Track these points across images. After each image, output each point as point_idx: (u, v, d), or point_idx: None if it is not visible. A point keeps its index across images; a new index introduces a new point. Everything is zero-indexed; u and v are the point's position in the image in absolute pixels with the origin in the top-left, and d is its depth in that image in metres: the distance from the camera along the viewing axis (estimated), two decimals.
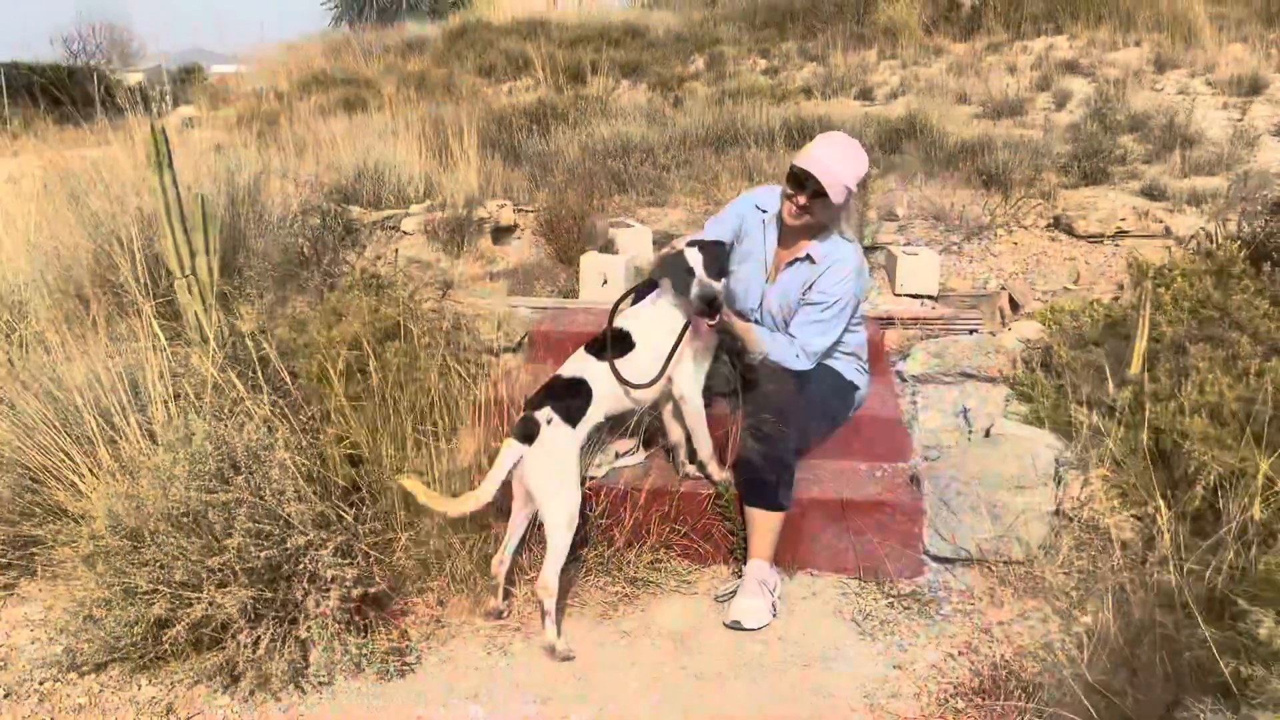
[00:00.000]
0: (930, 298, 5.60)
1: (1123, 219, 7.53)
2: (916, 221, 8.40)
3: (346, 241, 4.43)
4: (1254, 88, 12.07)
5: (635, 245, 6.85)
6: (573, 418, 3.49)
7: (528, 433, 3.41)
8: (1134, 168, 9.61)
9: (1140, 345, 3.72)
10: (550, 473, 3.37)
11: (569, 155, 10.07)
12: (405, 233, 7.78)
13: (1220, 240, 4.28)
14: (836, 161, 3.57)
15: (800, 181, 3.61)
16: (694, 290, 3.48)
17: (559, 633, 3.38)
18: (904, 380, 4.41)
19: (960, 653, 3.31)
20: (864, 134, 9.51)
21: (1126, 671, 2.89)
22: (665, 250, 3.75)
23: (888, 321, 4.80)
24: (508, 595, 3.61)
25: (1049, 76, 13.29)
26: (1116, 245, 7.46)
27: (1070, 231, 7.67)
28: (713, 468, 3.78)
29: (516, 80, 15.76)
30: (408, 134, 9.93)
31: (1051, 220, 8.06)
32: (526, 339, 4.71)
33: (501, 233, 8.38)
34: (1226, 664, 2.30)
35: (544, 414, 3.45)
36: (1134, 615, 3.13)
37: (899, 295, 5.63)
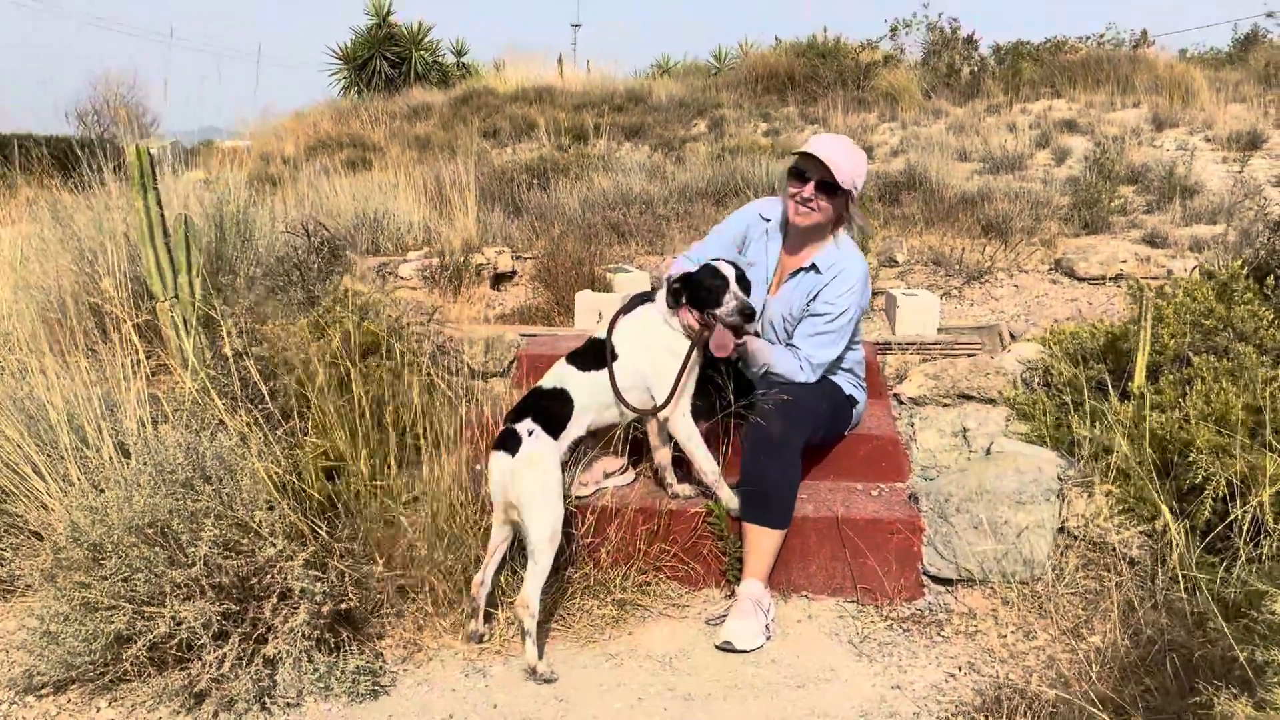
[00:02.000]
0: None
1: (1123, 261, 7.48)
2: (917, 267, 8.36)
3: (333, 266, 4.36)
4: (1252, 143, 12.13)
5: (632, 288, 6.79)
6: (554, 429, 3.38)
7: (508, 446, 3.30)
8: (1134, 217, 9.60)
9: (1142, 358, 3.61)
10: (532, 485, 3.25)
11: (569, 207, 10.09)
12: (401, 278, 7.75)
13: (1221, 264, 4.21)
14: (838, 151, 3.51)
15: (802, 172, 3.54)
16: (730, 304, 3.39)
17: (540, 654, 3.22)
18: (901, 403, 4.29)
19: (962, 672, 3.14)
20: (864, 188, 9.52)
21: (1138, 688, 2.73)
22: (668, 271, 3.66)
23: (885, 346, 4.70)
24: (489, 618, 3.46)
25: (1048, 135, 13.39)
26: (1118, 287, 7.39)
27: (1071, 274, 7.62)
28: (723, 493, 3.62)
29: (520, 143, 15.93)
30: (409, 187, 9.97)
31: (1052, 264, 8.02)
32: (514, 364, 4.62)
33: (500, 279, 8.35)
34: (1243, 649, 2.15)
35: (525, 426, 3.34)
36: (1144, 633, 2.98)
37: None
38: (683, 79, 21.77)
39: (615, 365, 3.50)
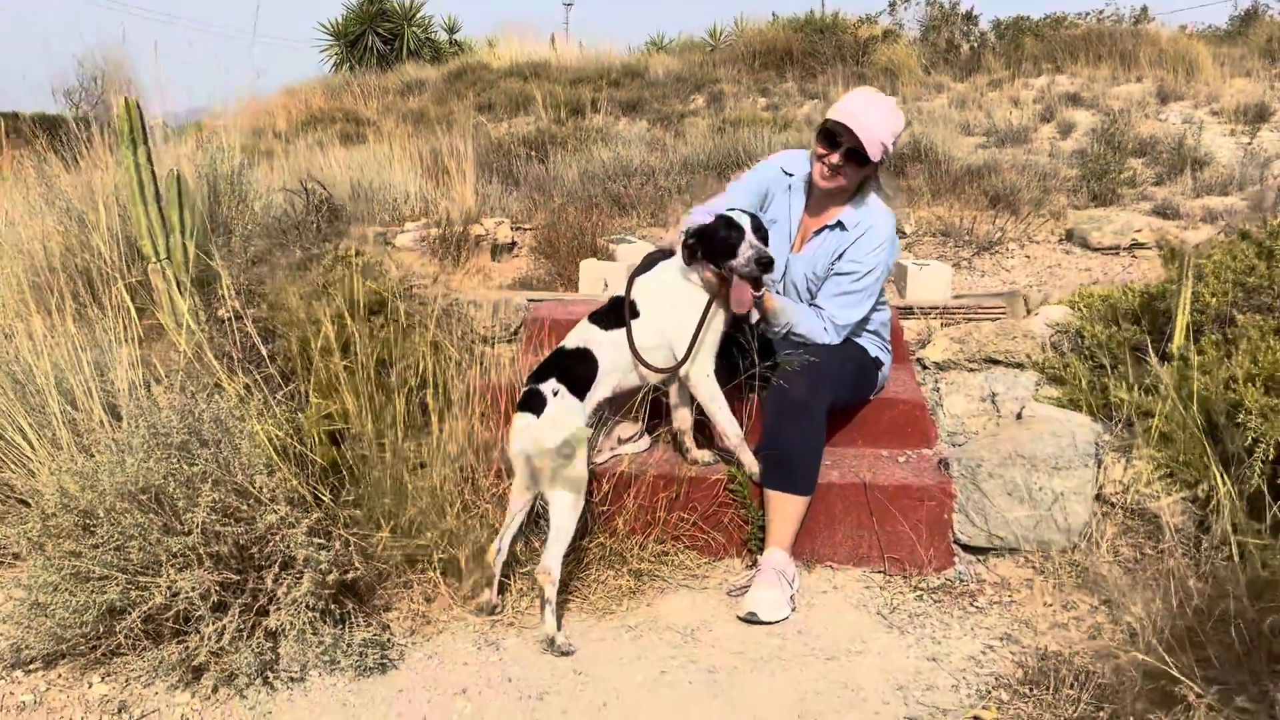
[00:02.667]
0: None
1: (1138, 230, 7.33)
2: (925, 238, 8.19)
3: (333, 226, 4.18)
4: (1260, 115, 11.96)
5: (635, 258, 6.61)
6: (579, 390, 3.22)
7: (533, 406, 3.15)
8: (1144, 189, 9.44)
9: (1182, 318, 3.45)
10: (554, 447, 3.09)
11: (568, 179, 9.89)
12: (399, 249, 7.56)
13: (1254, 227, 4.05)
14: (872, 115, 3.32)
15: (833, 137, 3.36)
16: (746, 254, 3.20)
17: (560, 625, 3.07)
18: (924, 368, 4.13)
19: (1000, 644, 3.00)
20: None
21: (1192, 658, 2.58)
22: (684, 224, 3.48)
23: (905, 310, 4.53)
24: (503, 589, 3.30)
25: (1052, 108, 13.21)
26: (1133, 257, 7.24)
27: (1085, 244, 7.47)
28: (745, 457, 3.46)
29: (516, 117, 15.68)
30: (404, 159, 9.76)
31: (1064, 235, 7.86)
32: (522, 328, 4.44)
33: (499, 250, 8.16)
34: None
35: (549, 386, 3.18)
36: (1193, 603, 2.83)
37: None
38: (679, 55, 21.51)
39: (636, 324, 3.34)
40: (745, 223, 3.26)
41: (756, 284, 3.23)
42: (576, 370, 3.26)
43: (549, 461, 3.06)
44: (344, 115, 16.81)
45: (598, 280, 5.76)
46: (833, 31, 18.37)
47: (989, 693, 2.74)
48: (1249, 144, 10.35)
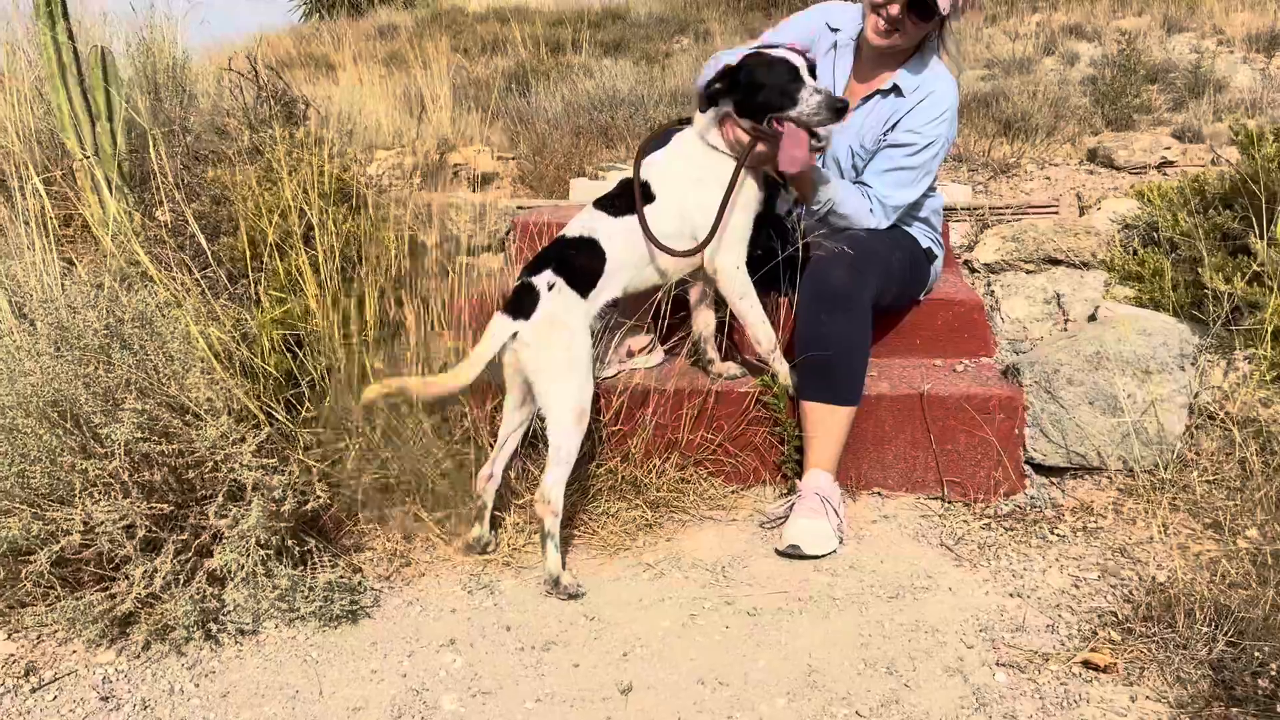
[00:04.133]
0: None
1: (1167, 148, 6.82)
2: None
3: (289, 116, 3.62)
4: (1272, 43, 11.48)
5: None
6: (581, 285, 2.67)
7: (523, 304, 2.60)
8: (1160, 114, 8.97)
9: None
10: (554, 352, 2.55)
11: (552, 110, 9.28)
12: (371, 178, 6.96)
13: None
14: None
15: None
16: (813, 99, 2.59)
17: (564, 562, 2.55)
18: (974, 270, 3.61)
19: (1095, 576, 2.51)
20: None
21: None
22: (708, 71, 2.89)
23: (948, 209, 3.99)
24: (496, 524, 2.78)
25: (1054, 40, 12.70)
26: (1164, 175, 6.74)
27: (1110, 164, 6.95)
28: (781, 369, 2.91)
29: (495, 57, 15.00)
30: (376, 94, 9.13)
31: (1085, 156, 7.36)
32: (511, 233, 3.88)
33: (480, 182, 7.58)
34: None
35: (544, 279, 2.63)
36: None
37: None
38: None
39: (652, 209, 2.78)
40: (798, 62, 2.65)
41: (814, 137, 2.67)
42: (580, 262, 2.70)
43: (543, 369, 2.53)
44: (315, 61, 16.08)
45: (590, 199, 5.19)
46: None
47: (1095, 633, 2.24)
48: (1265, 68, 9.85)
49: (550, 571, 2.51)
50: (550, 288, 2.61)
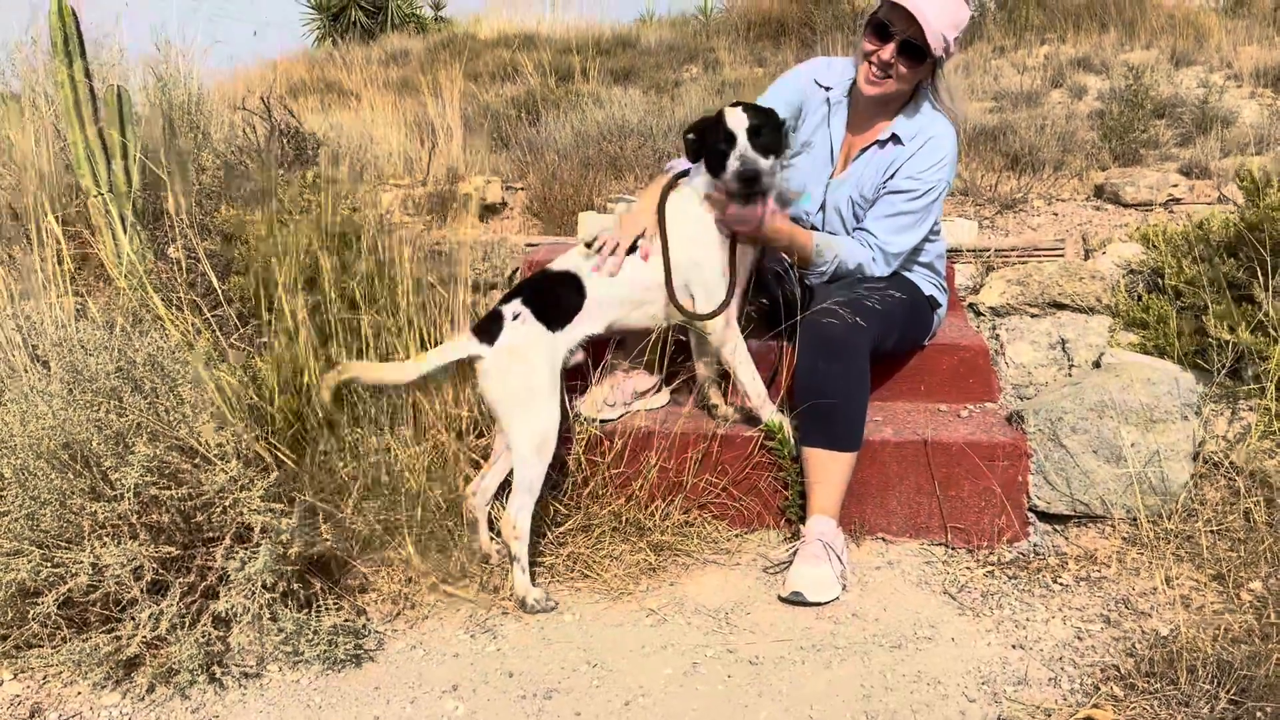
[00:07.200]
0: None
1: (1174, 185, 6.85)
2: (944, 198, 7.70)
3: (300, 157, 3.66)
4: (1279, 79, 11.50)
5: None
6: (550, 317, 2.71)
7: (490, 330, 2.68)
8: (1167, 150, 8.99)
9: None
10: (513, 382, 2.62)
11: (561, 140, 9.35)
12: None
13: None
14: (931, 1, 2.78)
15: (884, 29, 2.83)
16: (730, 165, 2.64)
17: (533, 580, 2.62)
18: (979, 314, 3.63)
19: (1098, 628, 2.51)
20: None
21: None
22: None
23: (953, 252, 4.01)
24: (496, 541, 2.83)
25: (1061, 73, 12.73)
26: (1170, 213, 6.76)
27: (1117, 200, 6.98)
28: (768, 417, 2.93)
29: (505, 85, 15.12)
30: (387, 120, 9.23)
31: (1092, 192, 7.39)
32: (518, 272, 3.91)
33: (489, 211, 7.64)
34: None
35: (511, 309, 2.69)
36: None
37: None
38: (672, 26, 20.96)
39: (636, 254, 2.83)
40: (740, 123, 2.64)
41: (747, 199, 2.65)
42: (555, 294, 2.75)
43: (501, 399, 2.61)
44: (326, 86, 16.21)
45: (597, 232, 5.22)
46: (829, 1, 17.83)
47: (1097, 688, 2.24)
48: (1273, 104, 9.88)
49: (517, 593, 2.61)
50: (515, 318, 2.67)
